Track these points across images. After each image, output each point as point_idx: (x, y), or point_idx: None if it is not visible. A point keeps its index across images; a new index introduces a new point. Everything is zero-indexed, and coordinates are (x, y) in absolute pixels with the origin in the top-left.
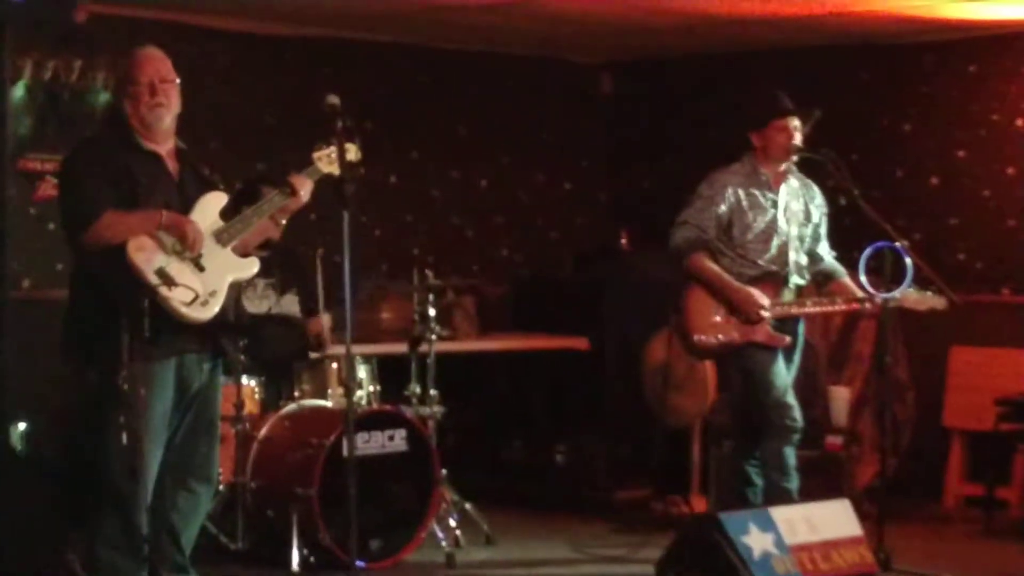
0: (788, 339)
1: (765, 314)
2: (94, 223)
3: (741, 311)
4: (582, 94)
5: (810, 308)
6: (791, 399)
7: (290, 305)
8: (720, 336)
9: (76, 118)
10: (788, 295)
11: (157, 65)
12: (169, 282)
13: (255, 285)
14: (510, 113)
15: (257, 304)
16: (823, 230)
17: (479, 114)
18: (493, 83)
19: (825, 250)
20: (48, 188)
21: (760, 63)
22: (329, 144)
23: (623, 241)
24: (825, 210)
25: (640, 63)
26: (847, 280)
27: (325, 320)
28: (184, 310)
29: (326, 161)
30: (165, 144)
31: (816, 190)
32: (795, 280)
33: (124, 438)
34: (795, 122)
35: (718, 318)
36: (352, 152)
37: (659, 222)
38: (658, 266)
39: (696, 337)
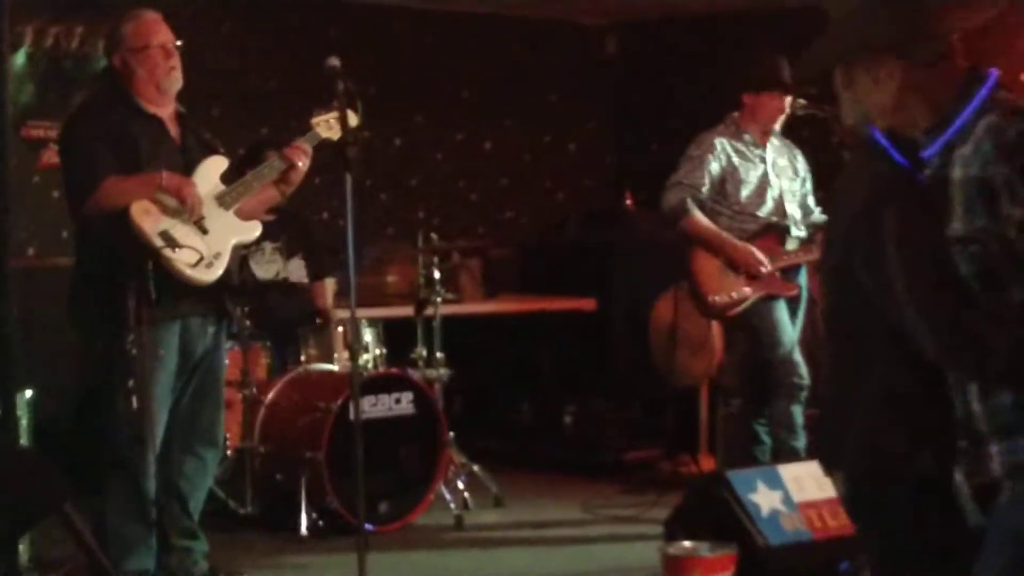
0: (798, 288)
1: (764, 270)
2: (97, 189)
3: (742, 268)
4: (587, 55)
5: (816, 255)
6: (798, 356)
7: (297, 269)
8: (733, 294)
9: (79, 85)
10: (791, 245)
11: (165, 29)
12: (173, 244)
13: (263, 249)
14: (514, 75)
15: (264, 268)
16: (809, 186)
17: (483, 77)
18: (497, 45)
19: (812, 203)
20: (52, 156)
21: (766, 23)
22: (328, 109)
23: (629, 202)
24: (807, 168)
25: (646, 24)
26: None
27: (329, 285)
28: (189, 272)
29: (324, 126)
30: (167, 108)
31: (798, 151)
32: (796, 232)
33: (134, 402)
34: (789, 97)
35: (728, 276)
36: (352, 117)
37: (665, 183)
38: (664, 227)
39: (711, 298)
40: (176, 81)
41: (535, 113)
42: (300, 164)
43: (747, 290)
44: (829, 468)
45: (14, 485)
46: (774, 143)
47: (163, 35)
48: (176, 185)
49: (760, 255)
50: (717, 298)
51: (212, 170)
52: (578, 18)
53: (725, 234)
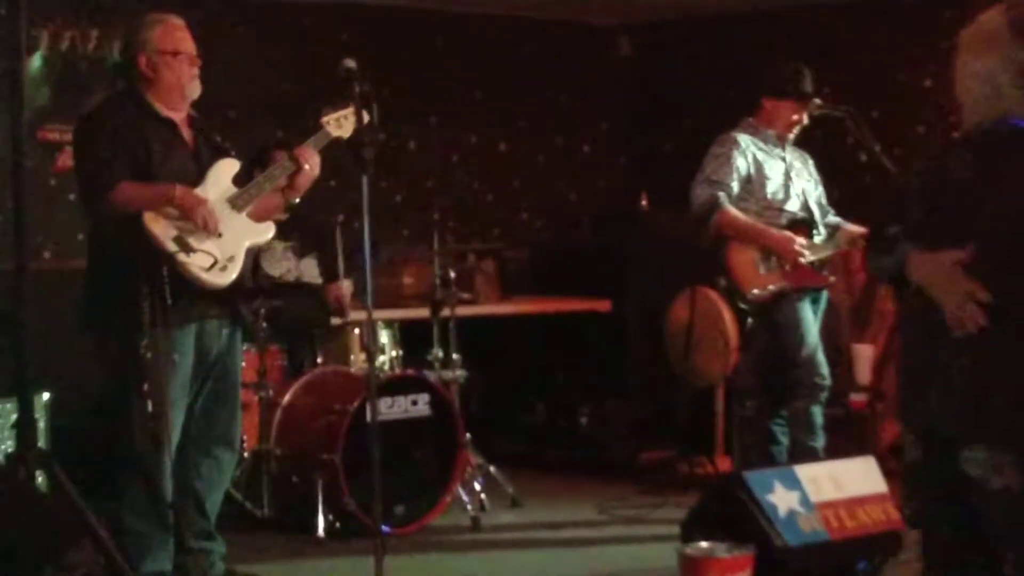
0: (833, 279)
1: (805, 254)
2: (110, 192)
3: (780, 256)
4: (600, 56)
5: (845, 247)
6: (821, 356)
7: (309, 268)
8: (771, 287)
9: (94, 88)
10: (819, 240)
11: (188, 36)
12: (187, 248)
13: (274, 248)
14: (528, 76)
15: (276, 266)
16: (822, 189)
17: (497, 78)
18: (510, 46)
19: (826, 204)
20: (67, 158)
21: (779, 22)
22: (337, 107)
23: (643, 203)
24: (817, 172)
25: (658, 24)
26: (852, 226)
27: (346, 286)
28: (204, 276)
29: (335, 125)
30: (181, 113)
31: (808, 156)
32: (820, 228)
33: (148, 406)
34: (806, 111)
35: (764, 269)
36: (365, 115)
37: (679, 183)
38: (678, 227)
39: (752, 292)
40: (197, 89)
41: (549, 114)
42: (307, 167)
43: (783, 282)
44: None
45: (25, 531)
46: (789, 146)
47: (189, 43)
48: (188, 203)
49: (800, 239)
50: (757, 291)
51: (224, 173)
52: (591, 19)
53: (761, 224)
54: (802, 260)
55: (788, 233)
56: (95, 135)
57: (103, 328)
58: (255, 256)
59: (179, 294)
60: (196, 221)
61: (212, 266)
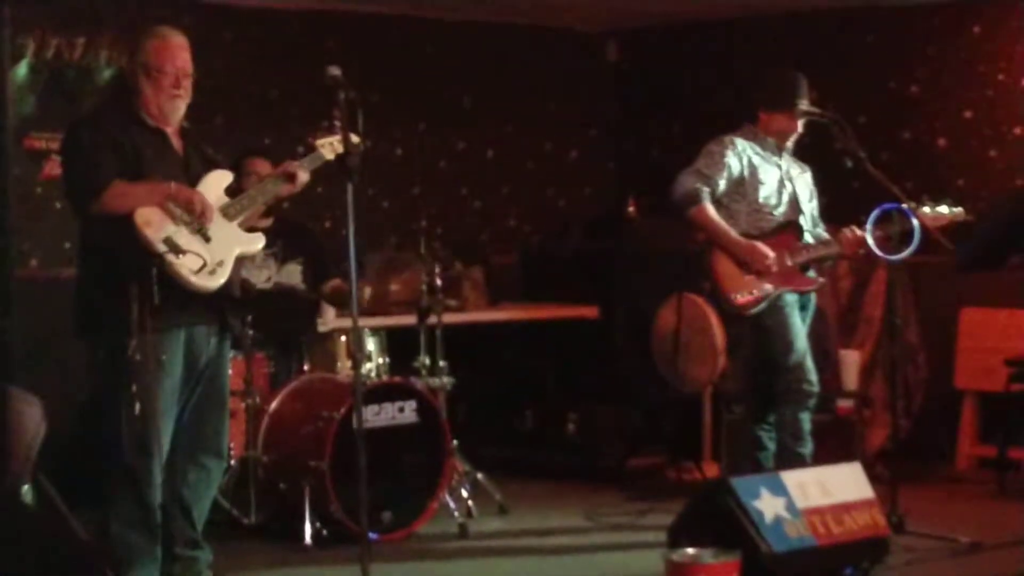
0: (823, 280)
1: (770, 263)
2: (103, 192)
3: (748, 265)
4: (588, 62)
5: (835, 248)
6: (810, 363)
7: (290, 275)
8: (755, 291)
9: (81, 96)
10: (808, 240)
11: (184, 56)
12: (177, 250)
13: (253, 255)
14: (516, 83)
15: (256, 274)
16: (816, 202)
17: (485, 84)
18: (498, 53)
19: (818, 217)
20: (54, 167)
21: (767, 28)
22: (333, 131)
23: (631, 209)
24: (814, 186)
25: (646, 30)
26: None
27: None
28: (192, 278)
29: (328, 148)
30: (170, 125)
31: (807, 169)
32: (809, 237)
33: (136, 408)
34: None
35: (748, 273)
36: (355, 139)
37: (667, 190)
38: (667, 233)
39: (734, 297)
40: (177, 109)
41: (536, 121)
42: (296, 189)
43: (768, 287)
44: None
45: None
46: (787, 155)
47: (180, 62)
48: (185, 195)
49: (765, 249)
50: (739, 296)
51: (215, 184)
52: (578, 25)
53: (732, 231)
54: (769, 265)
55: (754, 243)
56: (86, 138)
57: (93, 331)
58: None
59: (168, 298)
60: (194, 208)
61: (201, 268)
